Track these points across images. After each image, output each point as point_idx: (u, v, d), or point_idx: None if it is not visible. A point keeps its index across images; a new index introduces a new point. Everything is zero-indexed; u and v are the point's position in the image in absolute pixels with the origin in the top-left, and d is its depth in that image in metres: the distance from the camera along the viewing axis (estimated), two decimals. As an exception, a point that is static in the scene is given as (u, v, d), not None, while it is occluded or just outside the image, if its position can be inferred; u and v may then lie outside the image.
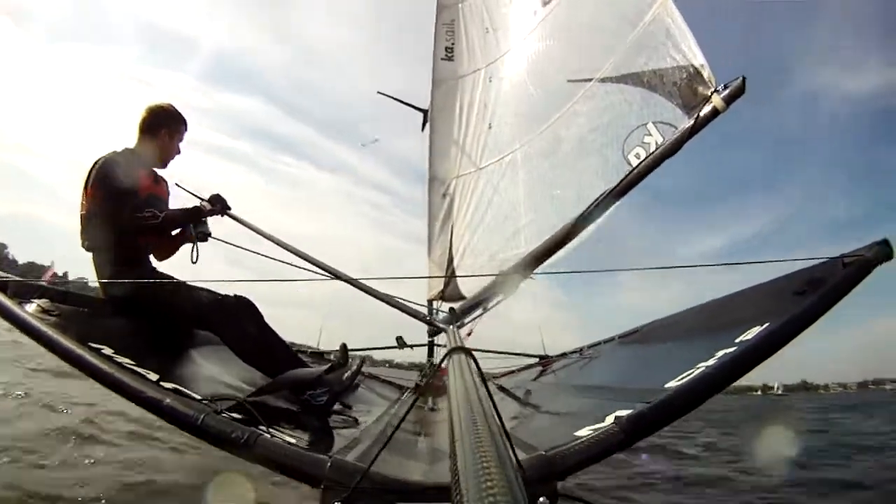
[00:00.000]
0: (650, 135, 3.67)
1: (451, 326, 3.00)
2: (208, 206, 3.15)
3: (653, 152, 3.60)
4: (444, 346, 5.13)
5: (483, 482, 0.52)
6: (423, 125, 6.77)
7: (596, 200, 3.83)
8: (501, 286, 4.39)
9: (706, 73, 3.43)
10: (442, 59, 6.53)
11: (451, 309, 5.03)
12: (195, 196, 3.24)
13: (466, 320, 4.85)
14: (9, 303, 2.02)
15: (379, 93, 7.49)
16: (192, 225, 3.23)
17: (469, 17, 6.41)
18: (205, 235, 3.26)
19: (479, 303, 4.86)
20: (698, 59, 3.50)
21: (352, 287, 3.22)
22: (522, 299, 4.55)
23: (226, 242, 3.32)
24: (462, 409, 0.83)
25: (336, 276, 3.20)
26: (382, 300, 3.29)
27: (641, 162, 3.64)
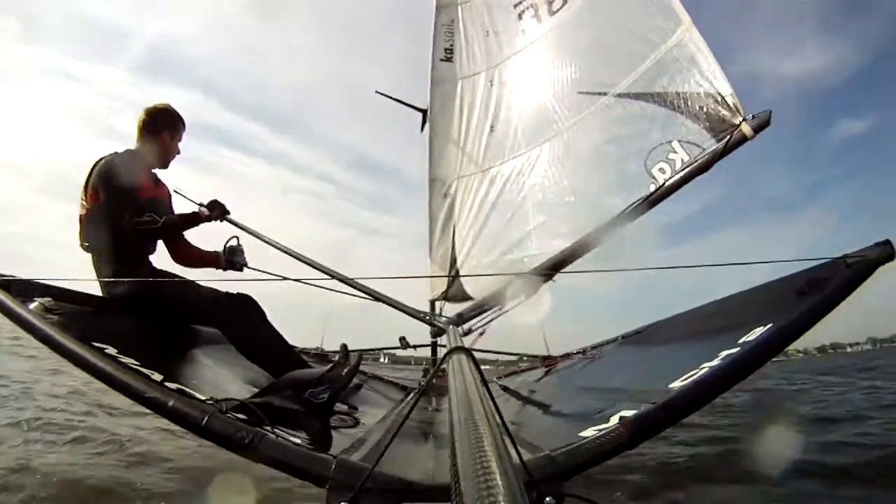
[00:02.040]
0: (675, 152, 3.99)
1: (452, 326, 3.00)
2: (206, 212, 3.15)
3: (681, 169, 3.94)
4: (443, 346, 5.15)
5: (483, 482, 0.52)
6: (423, 125, 6.74)
7: (626, 209, 4.11)
8: (516, 288, 4.42)
9: (733, 102, 3.79)
10: (441, 59, 6.52)
11: (460, 314, 5.06)
12: (193, 202, 3.25)
13: (477, 324, 4.86)
14: (11, 302, 2.02)
15: (377, 92, 7.45)
16: (227, 256, 3.33)
17: (469, 19, 6.40)
18: (240, 266, 3.31)
19: (490, 304, 4.89)
20: (725, 88, 3.86)
21: (354, 290, 3.24)
22: (532, 300, 4.56)
23: (256, 269, 3.37)
24: (462, 409, 0.83)
25: (337, 278, 3.21)
26: (383, 301, 3.29)
27: (671, 177, 3.97)
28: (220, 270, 3.36)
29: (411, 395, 4.63)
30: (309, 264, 3.26)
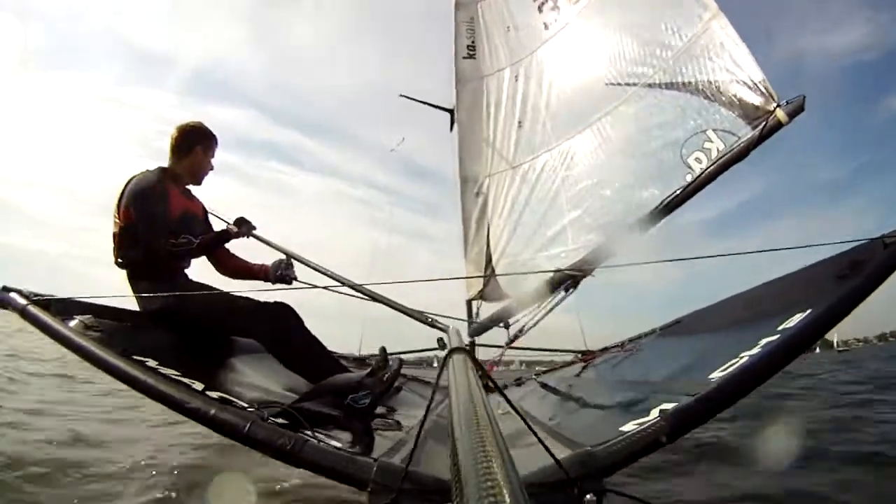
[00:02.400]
0: (711, 141, 3.95)
1: (452, 327, 3.02)
2: (234, 229, 3.20)
3: (717, 158, 3.89)
4: (493, 346, 5.17)
5: (483, 482, 0.53)
6: (452, 125, 6.73)
7: (665, 200, 4.06)
8: (550, 285, 4.39)
9: (767, 88, 3.73)
10: (464, 57, 6.51)
11: (472, 341, 5.19)
12: (222, 220, 3.35)
13: (517, 323, 4.86)
14: (52, 321, 2.07)
15: (401, 95, 7.45)
16: (282, 271, 3.37)
17: (489, 16, 6.39)
18: (290, 280, 3.38)
19: (506, 316, 4.94)
20: (757, 74, 3.80)
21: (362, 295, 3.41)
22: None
23: (304, 286, 3.43)
24: (462, 409, 0.84)
25: (360, 291, 3.39)
26: (385, 304, 3.40)
27: (709, 167, 3.92)
28: (269, 283, 3.41)
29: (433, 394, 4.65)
30: (334, 278, 3.41)
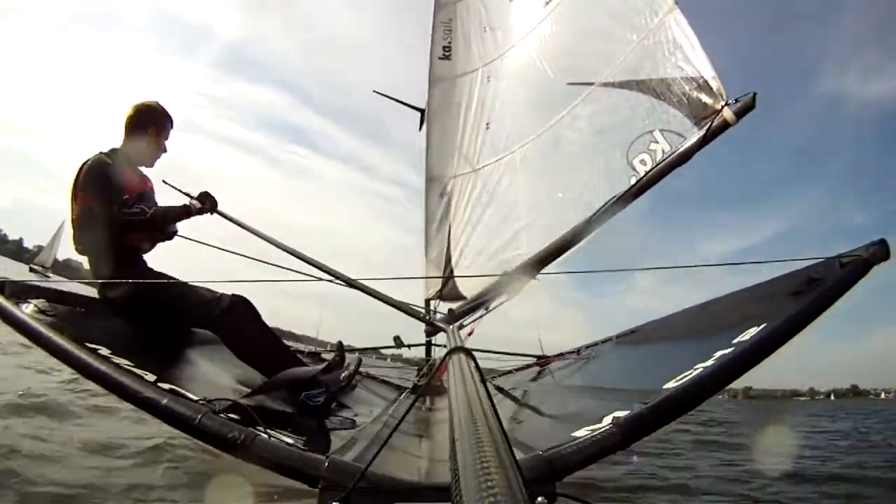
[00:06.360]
0: (656, 142, 3.79)
1: (451, 326, 3.00)
2: (197, 205, 3.10)
3: (661, 160, 3.73)
4: (443, 345, 5.15)
5: (483, 482, 0.52)
6: (421, 125, 6.74)
7: (605, 205, 3.95)
8: (505, 286, 4.41)
9: (716, 86, 3.54)
10: (439, 58, 6.52)
11: (450, 310, 5.05)
12: (184, 193, 3.19)
13: (467, 321, 4.87)
14: (6, 303, 2.02)
15: (374, 91, 7.42)
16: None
17: (467, 16, 6.41)
18: (171, 234, 3.26)
19: (480, 303, 4.88)
20: (708, 71, 3.61)
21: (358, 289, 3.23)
22: (525, 298, 4.56)
23: (212, 246, 3.33)
24: (462, 409, 0.83)
25: (332, 274, 3.21)
26: (381, 300, 3.29)
27: (652, 169, 3.77)
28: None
29: (403, 394, 4.63)
30: (303, 259, 3.26)
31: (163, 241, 3.24)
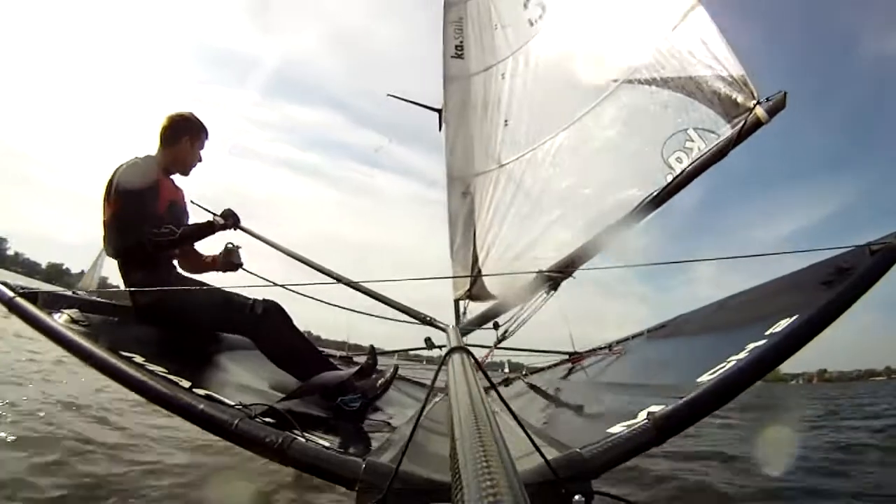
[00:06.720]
0: (692, 140, 3.86)
1: (452, 326, 3.01)
2: (221, 221, 3.18)
3: (697, 158, 3.79)
4: (478, 346, 5.16)
5: (483, 482, 0.53)
6: (440, 125, 6.73)
7: (643, 201, 3.99)
8: (532, 286, 4.39)
9: (747, 84, 3.61)
10: (452, 56, 6.53)
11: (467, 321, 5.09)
12: (208, 211, 3.28)
13: (500, 322, 4.84)
14: (40, 313, 2.06)
15: (389, 95, 7.42)
16: (224, 258, 3.36)
17: (477, 15, 6.40)
18: (235, 266, 3.37)
19: (496, 313, 4.91)
20: (738, 69, 3.68)
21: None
22: (564, 295, 4.52)
23: (253, 274, 3.42)
24: (462, 408, 0.84)
25: (349, 284, 3.32)
26: (382, 301, 3.37)
27: (688, 166, 3.83)
28: (221, 273, 3.40)
29: (440, 396, 4.65)
30: (322, 272, 3.38)
31: (227, 270, 3.39)
